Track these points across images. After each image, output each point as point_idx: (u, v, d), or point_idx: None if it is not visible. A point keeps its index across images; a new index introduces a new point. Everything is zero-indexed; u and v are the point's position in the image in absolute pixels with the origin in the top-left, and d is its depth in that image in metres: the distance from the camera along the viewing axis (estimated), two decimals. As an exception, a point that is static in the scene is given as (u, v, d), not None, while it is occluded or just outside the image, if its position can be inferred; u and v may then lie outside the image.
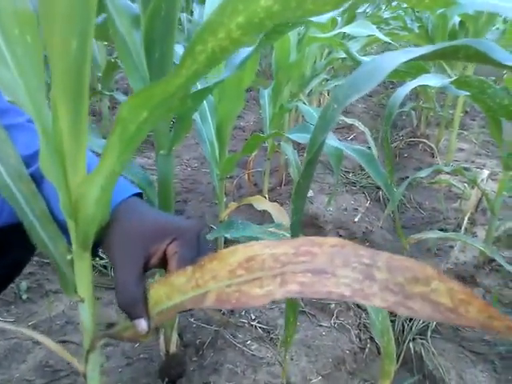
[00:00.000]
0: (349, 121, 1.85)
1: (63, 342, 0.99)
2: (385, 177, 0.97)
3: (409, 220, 1.78)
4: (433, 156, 2.33)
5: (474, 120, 2.97)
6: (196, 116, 1.00)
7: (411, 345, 1.09)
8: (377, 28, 1.48)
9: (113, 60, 1.90)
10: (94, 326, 0.46)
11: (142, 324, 0.41)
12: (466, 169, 1.76)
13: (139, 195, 0.50)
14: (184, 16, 2.25)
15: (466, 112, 2.98)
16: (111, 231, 0.43)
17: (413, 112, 2.69)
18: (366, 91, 0.43)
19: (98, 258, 1.20)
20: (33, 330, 0.52)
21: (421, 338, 1.10)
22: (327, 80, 2.24)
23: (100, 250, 0.47)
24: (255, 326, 1.08)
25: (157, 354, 0.95)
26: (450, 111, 2.41)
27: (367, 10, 3.03)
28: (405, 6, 2.66)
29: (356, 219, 1.63)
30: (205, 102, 1.02)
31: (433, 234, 1.30)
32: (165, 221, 0.45)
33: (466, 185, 1.82)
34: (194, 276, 0.37)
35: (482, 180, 1.56)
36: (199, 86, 0.87)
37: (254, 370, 0.95)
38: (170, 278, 0.39)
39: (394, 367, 0.67)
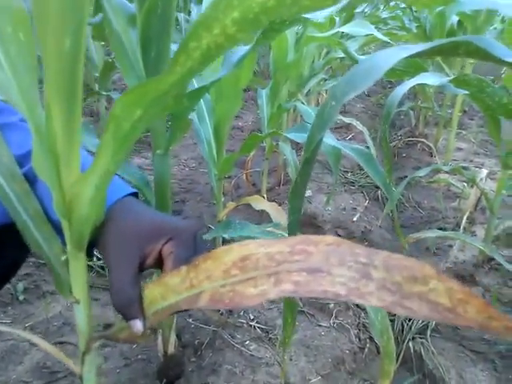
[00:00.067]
0: (347, 120, 1.85)
1: (60, 343, 0.98)
2: (383, 176, 0.97)
3: (408, 219, 1.78)
4: (431, 155, 2.33)
5: (472, 119, 2.98)
6: (193, 116, 0.99)
7: (411, 344, 1.08)
8: (375, 28, 1.48)
9: (110, 60, 1.90)
10: (90, 328, 0.45)
11: (138, 325, 0.40)
12: (464, 168, 1.75)
13: (135, 195, 0.49)
14: (182, 16, 2.25)
15: (465, 111, 2.98)
16: (106, 231, 0.43)
17: (411, 112, 2.69)
18: (363, 89, 0.43)
19: (95, 259, 1.19)
20: (29, 332, 0.51)
21: (420, 338, 1.10)
22: (325, 80, 2.24)
23: (95, 250, 0.47)
24: (254, 326, 1.07)
25: (155, 354, 0.94)
26: (449, 111, 2.41)
27: (365, 10, 3.03)
28: (403, 6, 2.67)
29: (355, 219, 1.62)
30: (202, 101, 1.02)
31: (432, 233, 1.30)
32: (161, 220, 0.44)
33: (464, 184, 1.82)
34: (188, 276, 0.37)
35: (481, 179, 1.56)
36: (196, 84, 0.86)
37: (253, 371, 0.94)
38: (165, 279, 0.39)
39: (394, 367, 0.67)
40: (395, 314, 1.13)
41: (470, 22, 1.91)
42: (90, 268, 1.20)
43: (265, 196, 1.56)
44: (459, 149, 2.41)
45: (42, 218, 0.44)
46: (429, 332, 1.11)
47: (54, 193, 0.37)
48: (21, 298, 1.11)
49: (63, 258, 0.44)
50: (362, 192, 1.87)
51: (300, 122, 2.03)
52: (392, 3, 3.27)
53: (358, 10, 2.60)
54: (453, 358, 1.04)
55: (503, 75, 2.47)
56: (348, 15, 2.29)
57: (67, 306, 1.10)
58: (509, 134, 1.18)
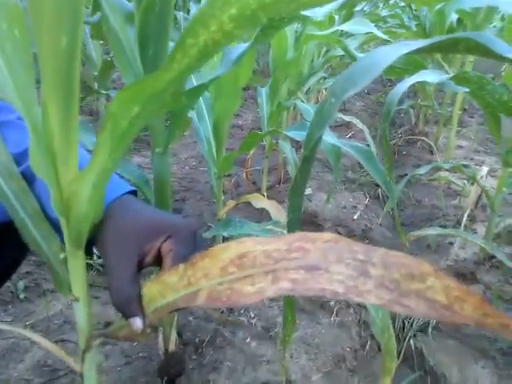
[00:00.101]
0: (347, 118, 1.85)
1: (61, 341, 0.98)
2: (384, 174, 0.97)
3: (408, 217, 1.78)
4: (431, 153, 2.33)
5: (472, 117, 2.97)
6: (193, 114, 0.99)
7: (412, 341, 1.08)
8: (374, 26, 1.47)
9: (109, 59, 1.89)
10: (90, 326, 0.45)
11: (137, 322, 0.40)
12: (465, 166, 1.75)
13: (133, 193, 0.49)
14: (181, 15, 2.25)
15: (465, 109, 2.97)
16: (105, 229, 0.43)
17: (411, 110, 2.69)
18: (362, 85, 0.43)
19: (95, 257, 1.19)
20: (30, 330, 0.52)
21: (421, 335, 1.10)
22: (325, 78, 2.23)
23: (94, 249, 0.47)
24: (254, 324, 1.07)
25: (156, 352, 0.94)
26: (449, 109, 2.40)
27: (365, 9, 3.03)
28: (402, 4, 2.67)
29: (355, 217, 1.62)
30: (202, 100, 1.02)
31: (432, 231, 1.29)
32: (159, 218, 0.44)
33: (465, 182, 1.82)
34: (185, 274, 0.37)
35: (482, 177, 1.56)
36: (195, 82, 0.86)
37: (254, 368, 0.95)
38: (163, 277, 0.39)
39: (395, 364, 0.67)
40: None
41: (469, 20, 1.91)
42: (90, 266, 1.20)
43: (265, 194, 1.56)
44: (459, 147, 2.41)
45: (40, 217, 0.44)
46: (430, 329, 1.11)
47: (52, 191, 0.37)
48: (21, 296, 1.11)
49: (62, 256, 0.44)
50: (363, 190, 1.87)
51: (300, 121, 2.03)
52: (391, 1, 3.27)
53: (357, 9, 2.59)
54: (454, 355, 1.04)
55: (503, 73, 2.47)
56: (347, 13, 2.29)
57: (68, 304, 1.10)
58: (509, 131, 1.18)
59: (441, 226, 1.58)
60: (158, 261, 0.43)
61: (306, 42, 1.48)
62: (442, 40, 0.42)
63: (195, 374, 0.92)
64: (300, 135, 1.02)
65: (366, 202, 1.77)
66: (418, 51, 0.43)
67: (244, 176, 1.75)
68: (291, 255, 0.32)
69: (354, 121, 1.78)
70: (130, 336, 0.43)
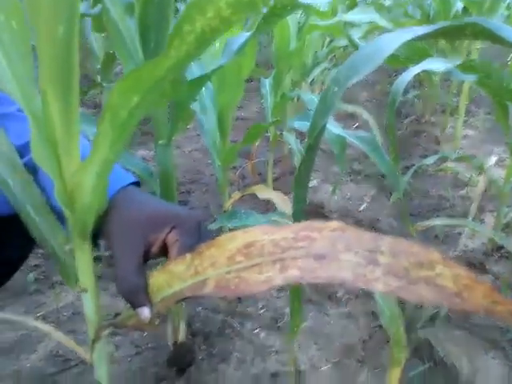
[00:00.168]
0: (352, 109, 1.83)
1: (72, 331, 1.00)
2: (390, 165, 0.96)
3: (415, 208, 1.76)
4: (438, 143, 2.31)
5: (479, 107, 2.94)
6: (196, 106, 0.99)
7: (421, 332, 1.08)
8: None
9: (111, 51, 1.89)
10: (99, 316, 0.45)
11: (145, 312, 0.41)
12: (472, 156, 1.73)
13: (137, 184, 0.49)
14: (182, 7, 2.23)
15: (472, 100, 2.94)
16: (110, 220, 0.42)
17: (417, 100, 2.66)
18: (365, 73, 0.42)
19: (103, 249, 1.20)
20: (41, 321, 0.52)
21: (430, 326, 1.09)
22: (329, 69, 2.21)
23: (100, 241, 0.47)
24: (263, 315, 1.08)
25: (165, 343, 0.95)
26: (455, 99, 2.37)
27: (368, -2, 2.99)
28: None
29: (361, 208, 1.62)
30: (205, 92, 1.01)
31: (440, 221, 1.28)
32: (164, 209, 0.44)
33: (472, 172, 1.80)
34: (192, 263, 0.37)
35: (490, 166, 1.54)
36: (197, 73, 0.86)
37: (263, 359, 0.95)
38: (169, 266, 0.39)
39: (405, 355, 0.66)
40: (405, 303, 1.13)
41: (475, 8, 1.87)
42: (99, 259, 1.21)
43: (271, 186, 1.55)
44: (466, 136, 2.39)
45: (44, 208, 0.44)
46: (439, 320, 1.10)
47: (56, 182, 0.36)
48: (32, 288, 1.13)
49: (67, 247, 0.43)
50: (369, 181, 1.86)
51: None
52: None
53: (360, -1, 2.57)
54: (464, 346, 1.03)
55: (510, 62, 2.43)
56: (351, 3, 2.26)
57: (78, 295, 1.11)
58: (517, 120, 1.16)
59: (448, 217, 1.57)
60: (164, 252, 0.43)
61: (309, 32, 1.47)
62: (447, 25, 0.41)
63: (205, 363, 0.93)
64: (304, 126, 1.01)
65: (373, 193, 1.76)
66: (422, 37, 0.42)
67: (249, 168, 1.75)
68: (299, 244, 0.32)
69: (360, 111, 1.76)
70: (139, 325, 0.43)
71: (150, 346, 0.98)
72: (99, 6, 0.89)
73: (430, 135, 2.41)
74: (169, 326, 0.90)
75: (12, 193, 0.42)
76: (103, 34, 1.99)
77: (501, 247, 1.35)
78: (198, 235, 0.43)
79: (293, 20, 1.34)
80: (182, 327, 0.89)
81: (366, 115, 1.70)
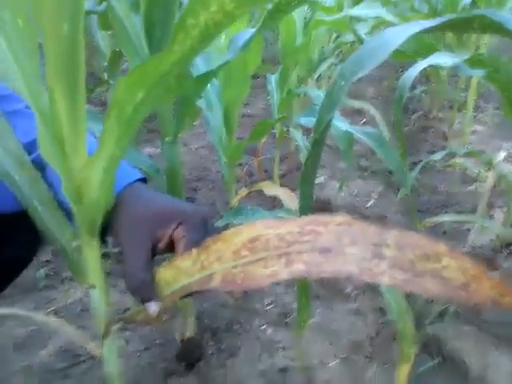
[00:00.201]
0: (359, 105, 1.82)
1: (82, 327, 1.01)
2: (397, 161, 0.95)
3: (423, 204, 1.75)
4: (446, 139, 2.29)
5: (487, 102, 2.90)
6: (202, 103, 0.99)
7: (430, 328, 1.07)
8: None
9: (118, 49, 1.89)
10: (107, 312, 0.46)
11: (153, 306, 0.41)
12: (481, 151, 1.71)
13: (144, 180, 0.49)
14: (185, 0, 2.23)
15: (479, 94, 2.90)
16: (117, 216, 0.43)
17: (424, 95, 2.64)
18: (371, 67, 0.42)
19: (111, 246, 1.21)
20: (52, 317, 0.53)
21: (440, 321, 1.09)
22: (335, 65, 2.20)
23: (108, 237, 0.47)
24: (271, 311, 1.08)
25: (174, 338, 0.96)
26: (463, 94, 2.35)
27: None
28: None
29: (369, 204, 1.61)
30: (211, 88, 1.01)
31: (449, 217, 1.28)
32: (171, 205, 0.45)
33: (481, 167, 1.78)
34: (199, 258, 0.37)
35: (498, 162, 1.52)
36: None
37: (271, 355, 0.96)
38: (176, 261, 0.39)
39: (414, 351, 0.66)
40: (414, 299, 1.12)
41: (483, 2, 1.85)
42: (108, 255, 1.22)
43: (277, 182, 1.55)
44: (475, 132, 2.36)
45: (52, 205, 0.44)
46: (448, 316, 1.10)
47: (63, 178, 0.37)
48: (42, 284, 1.14)
49: (75, 243, 0.44)
50: (376, 178, 1.85)
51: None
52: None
53: (367, -7, 2.54)
54: (473, 342, 1.03)
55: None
56: (357, -2, 2.25)
57: (87, 291, 1.12)
58: (526, 114, 1.15)
59: (457, 213, 1.56)
60: (171, 247, 0.43)
61: (315, 28, 1.46)
62: (455, 18, 0.40)
63: (213, 359, 0.94)
64: (311, 121, 1.01)
65: (380, 189, 1.75)
66: (429, 30, 0.42)
67: (255, 165, 1.75)
68: (304, 238, 0.32)
69: (367, 107, 1.75)
70: (147, 320, 0.44)
71: (158, 341, 0.99)
72: (105, 3, 0.90)
73: (437, 131, 2.39)
74: (177, 321, 0.91)
75: (20, 189, 0.43)
76: (109, 32, 1.99)
77: (510, 243, 1.33)
78: (205, 231, 0.43)
79: (299, 15, 1.33)
80: (191, 323, 0.90)
81: (373, 111, 1.69)
